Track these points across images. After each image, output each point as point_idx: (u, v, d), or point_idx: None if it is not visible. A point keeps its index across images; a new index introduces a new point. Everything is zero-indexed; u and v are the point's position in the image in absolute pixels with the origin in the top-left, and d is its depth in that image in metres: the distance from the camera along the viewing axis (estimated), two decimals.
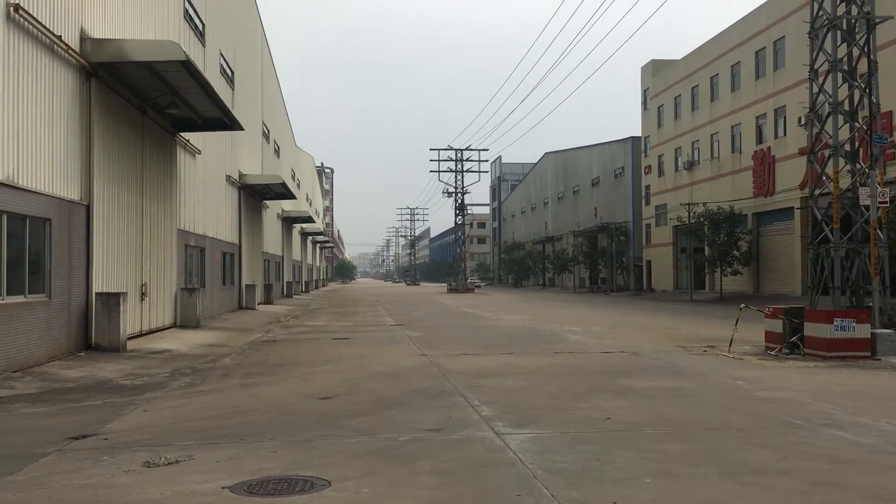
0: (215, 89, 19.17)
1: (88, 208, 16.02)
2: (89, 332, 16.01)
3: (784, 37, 42.64)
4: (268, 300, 41.32)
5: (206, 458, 6.85)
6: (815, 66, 15.32)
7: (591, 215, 74.39)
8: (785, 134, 42.65)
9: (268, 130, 45.56)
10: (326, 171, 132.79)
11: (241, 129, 24.16)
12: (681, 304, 42.45)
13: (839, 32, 14.98)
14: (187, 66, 16.66)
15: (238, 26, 34.83)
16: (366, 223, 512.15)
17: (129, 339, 17.24)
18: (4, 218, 12.63)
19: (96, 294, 16.10)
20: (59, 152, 14.68)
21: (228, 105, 21.36)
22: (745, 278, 46.68)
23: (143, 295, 19.62)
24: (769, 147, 44.02)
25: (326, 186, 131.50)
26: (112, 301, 16.04)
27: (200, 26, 26.79)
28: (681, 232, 54.73)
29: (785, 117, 42.62)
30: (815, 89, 15.43)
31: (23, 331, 13.08)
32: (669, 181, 57.88)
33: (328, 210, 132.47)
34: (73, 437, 7.92)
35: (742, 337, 18.55)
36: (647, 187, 62.38)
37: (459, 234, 75.84)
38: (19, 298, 13.15)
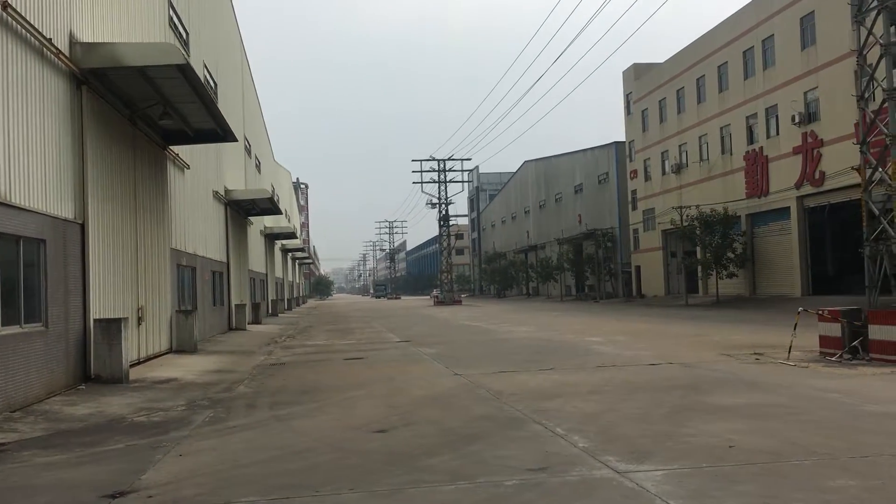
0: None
1: (83, 227, 14.63)
2: (88, 363, 14.58)
3: (773, 35, 42.19)
4: (256, 320, 39.77)
5: None
6: (863, 52, 14.43)
7: (575, 222, 73.65)
8: (777, 133, 42.12)
9: (249, 145, 44.11)
10: (302, 186, 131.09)
11: (236, 139, 22.85)
12: (680, 310, 41.60)
13: (889, 14, 14.10)
14: (185, 70, 15.38)
15: (219, 38, 33.45)
16: (339, 238, 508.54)
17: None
18: None
19: (95, 321, 14.69)
20: (51, 166, 13.30)
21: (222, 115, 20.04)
22: (740, 280, 46.05)
23: (139, 319, 18.20)
24: (761, 147, 43.48)
25: (302, 202, 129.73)
26: (113, 328, 14.63)
27: (185, 35, 25.45)
28: (671, 236, 54.08)
29: (777, 116, 42.12)
30: (866, 75, 14.54)
31: (21, 365, 11.68)
32: (657, 185, 57.27)
33: (304, 226, 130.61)
34: (109, 494, 6.61)
35: (782, 342, 17.62)
36: (634, 192, 61.73)
37: (444, 244, 74.61)
38: (15, 329, 11.75)
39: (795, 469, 6.42)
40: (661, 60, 57.30)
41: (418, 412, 10.27)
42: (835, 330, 14.29)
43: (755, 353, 15.74)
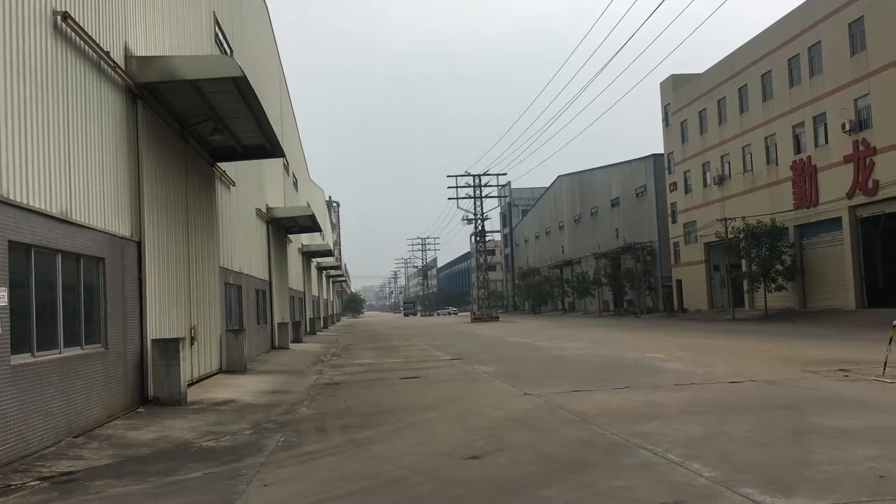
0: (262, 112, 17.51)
1: (140, 245, 14.25)
2: (146, 384, 14.14)
3: (819, 42, 41.19)
4: (297, 338, 39.34)
5: None
6: None
7: (612, 236, 72.66)
8: (826, 142, 41.00)
9: (287, 163, 43.92)
10: (333, 204, 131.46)
11: (283, 154, 22.52)
12: (729, 324, 40.51)
13: None
14: (240, 83, 14.98)
15: (258, 56, 33.28)
16: (369, 256, 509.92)
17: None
18: (59, 258, 10.86)
19: (152, 341, 14.27)
20: (108, 183, 12.93)
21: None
22: (789, 294, 44.80)
23: (192, 339, 17.79)
24: (809, 156, 42.36)
25: (333, 220, 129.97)
26: (171, 348, 14.18)
27: (229, 52, 25.23)
28: (714, 249, 52.94)
29: (825, 124, 41.02)
30: None
31: (82, 387, 11.25)
32: (698, 197, 56.20)
33: (336, 244, 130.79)
34: None
35: (862, 357, 16.77)
36: (673, 205, 60.69)
37: (480, 260, 73.89)
38: (76, 350, 11.34)
39: None
40: (693, 71, 56.58)
41: (505, 436, 9.62)
42: None
43: (840, 370, 14.88)
